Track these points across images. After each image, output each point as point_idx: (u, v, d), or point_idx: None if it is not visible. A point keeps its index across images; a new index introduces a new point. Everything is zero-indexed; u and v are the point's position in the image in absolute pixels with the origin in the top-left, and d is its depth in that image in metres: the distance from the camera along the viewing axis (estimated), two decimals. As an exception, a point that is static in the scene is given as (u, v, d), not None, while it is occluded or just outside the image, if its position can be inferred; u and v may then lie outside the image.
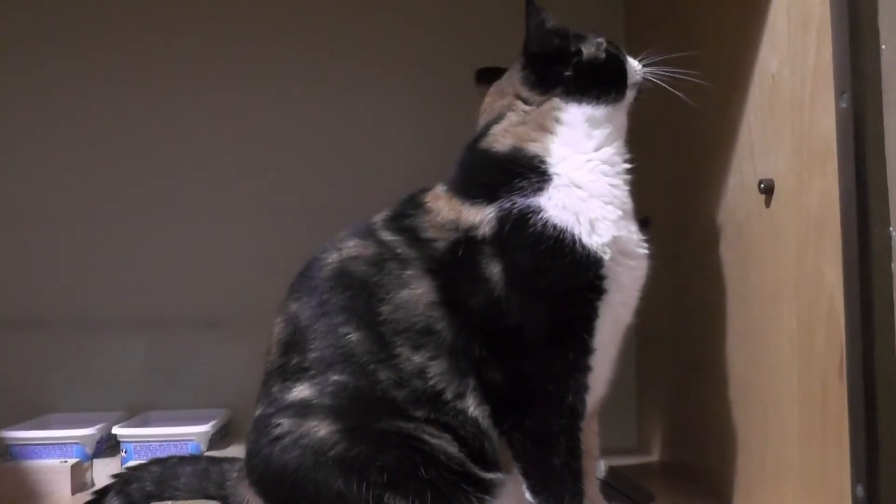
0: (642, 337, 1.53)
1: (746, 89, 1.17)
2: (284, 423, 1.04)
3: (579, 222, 1.05)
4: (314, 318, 1.08)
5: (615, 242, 1.07)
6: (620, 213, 1.09)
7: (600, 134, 1.11)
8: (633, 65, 1.16)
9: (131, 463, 1.45)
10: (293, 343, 1.09)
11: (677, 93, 1.13)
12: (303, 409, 1.04)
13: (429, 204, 1.12)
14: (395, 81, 1.76)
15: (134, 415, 1.65)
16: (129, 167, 1.75)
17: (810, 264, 1.01)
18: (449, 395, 1.04)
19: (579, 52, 1.13)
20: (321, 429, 1.02)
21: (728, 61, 1.22)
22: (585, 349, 1.06)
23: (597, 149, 1.11)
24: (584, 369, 1.06)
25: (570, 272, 1.04)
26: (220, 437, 1.61)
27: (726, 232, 1.26)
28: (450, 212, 1.10)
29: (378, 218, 1.14)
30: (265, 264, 1.65)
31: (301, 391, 1.06)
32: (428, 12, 1.76)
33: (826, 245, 0.97)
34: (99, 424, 1.54)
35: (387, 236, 1.10)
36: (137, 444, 1.49)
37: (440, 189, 1.14)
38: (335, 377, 1.04)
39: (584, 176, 1.09)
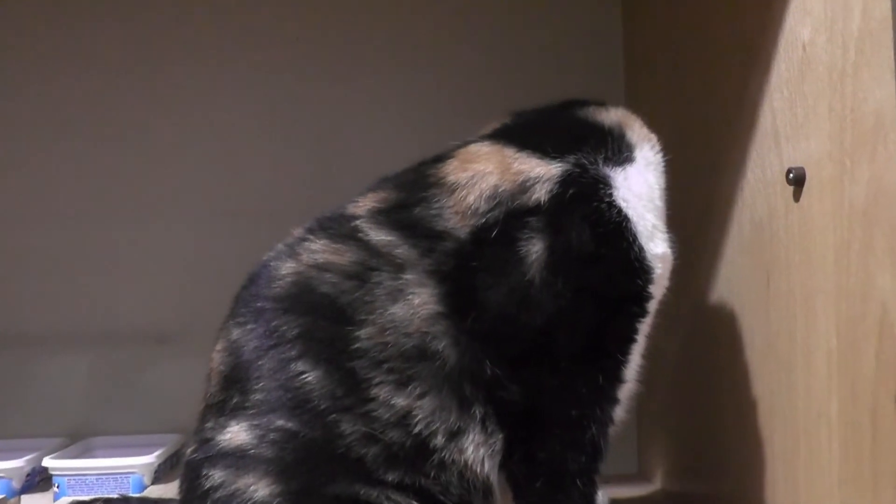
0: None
1: (769, 64, 1.00)
2: (216, 475, 0.85)
3: (645, 220, 0.91)
4: (259, 352, 0.87)
5: (664, 258, 0.93)
6: (666, 229, 0.95)
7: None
8: None
9: (64, 500, 1.27)
10: (234, 379, 0.90)
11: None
12: (238, 460, 0.84)
13: (451, 178, 0.89)
14: (372, 69, 1.61)
15: (75, 442, 1.50)
16: (67, 168, 1.59)
17: (855, 268, 0.84)
18: (439, 439, 0.84)
19: None
20: (259, 489, 0.83)
21: (745, 32, 1.06)
22: (618, 375, 0.91)
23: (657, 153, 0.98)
24: (612, 400, 0.91)
25: (623, 272, 0.89)
26: (171, 467, 1.44)
27: (744, 232, 1.09)
28: (491, 171, 0.88)
29: (361, 209, 0.91)
30: (223, 272, 1.41)
31: (236, 433, 0.86)
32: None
33: (877, 244, 0.80)
34: (29, 455, 1.37)
35: (377, 235, 0.88)
36: (71, 477, 1.32)
37: (480, 146, 0.92)
38: (280, 422, 0.84)
39: (653, 176, 0.95)
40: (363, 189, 0.96)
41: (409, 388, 0.83)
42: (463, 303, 0.84)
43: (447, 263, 0.85)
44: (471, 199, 0.86)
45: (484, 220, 0.85)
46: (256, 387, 0.86)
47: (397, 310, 0.84)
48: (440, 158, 0.92)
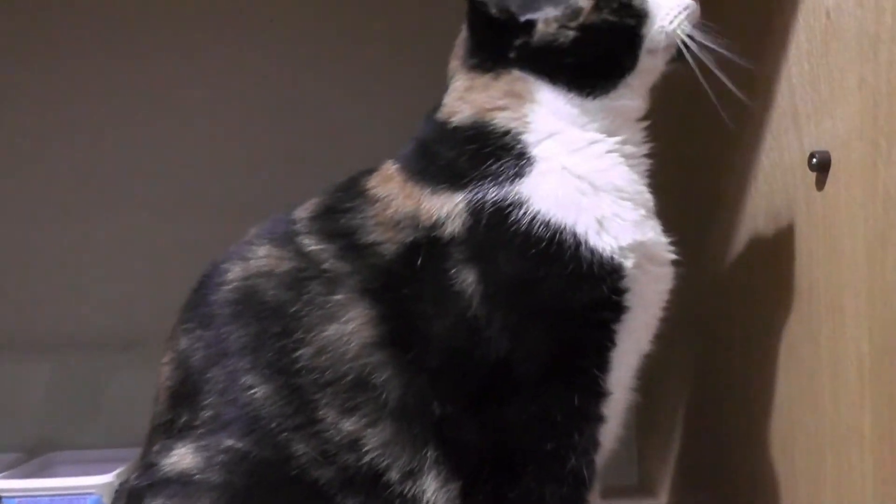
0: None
1: (786, 35, 0.90)
2: None
3: (582, 219, 0.80)
4: (208, 361, 0.82)
5: (640, 247, 0.81)
6: (643, 211, 0.84)
7: (601, 120, 0.85)
8: (660, 16, 0.85)
9: (14, 524, 1.16)
10: (183, 395, 0.83)
11: (722, 77, 0.87)
12: (182, 488, 0.77)
13: (375, 191, 0.85)
14: (356, 59, 1.49)
15: (33, 458, 1.39)
16: (23, 164, 1.48)
17: (891, 263, 0.74)
18: (394, 475, 0.78)
19: (529, 26, 0.84)
20: None
21: (753, 6, 0.95)
22: (597, 391, 0.81)
23: (601, 130, 0.85)
24: (595, 419, 0.81)
25: (576, 284, 0.79)
26: (135, 485, 1.32)
27: (758, 223, 0.99)
28: (405, 200, 0.83)
29: (302, 214, 0.86)
30: (191, 273, 1.36)
31: (182, 456, 0.78)
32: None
33: (919, 236, 0.70)
34: (-22, 473, 1.25)
35: (310, 244, 0.83)
36: (23, 499, 1.20)
37: (392, 168, 0.87)
38: (230, 442, 0.77)
39: (583, 163, 0.83)
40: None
41: (356, 416, 0.78)
42: (403, 334, 0.79)
43: (376, 281, 0.80)
44: (389, 212, 0.82)
45: (405, 238, 0.80)
46: (205, 402, 0.80)
47: (332, 332, 0.79)
48: (372, 170, 0.87)
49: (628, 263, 0.80)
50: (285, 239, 0.84)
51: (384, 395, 0.78)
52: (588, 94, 0.83)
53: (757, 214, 0.99)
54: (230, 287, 0.83)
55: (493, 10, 0.83)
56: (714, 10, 1.05)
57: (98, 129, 1.47)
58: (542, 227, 0.78)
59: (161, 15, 1.47)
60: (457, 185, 0.81)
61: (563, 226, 0.79)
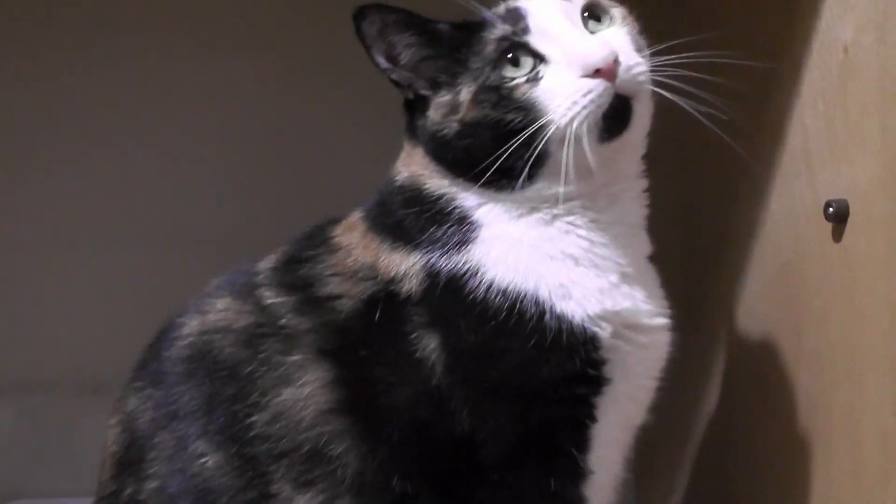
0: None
1: (798, 71, 0.83)
2: None
3: (544, 285, 0.73)
4: (157, 425, 0.77)
5: (615, 316, 0.73)
6: (614, 277, 0.75)
7: (536, 201, 0.77)
8: (552, 108, 0.72)
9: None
10: (128, 462, 0.77)
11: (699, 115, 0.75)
12: None
13: (338, 239, 0.79)
14: (336, 79, 1.38)
15: (-5, 507, 1.32)
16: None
17: (921, 330, 0.66)
18: None
19: (421, 101, 0.79)
20: None
21: (767, 33, 0.88)
22: (577, 472, 0.73)
23: (541, 203, 0.76)
24: (575, 502, 0.72)
25: (542, 357, 0.71)
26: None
27: (767, 273, 0.91)
28: (365, 251, 0.77)
29: (266, 264, 0.81)
30: (163, 310, 1.29)
31: None
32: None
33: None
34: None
35: (270, 297, 0.77)
36: (-24, 558, 1.13)
37: (356, 216, 0.81)
38: None
39: (529, 230, 0.75)
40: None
41: (312, 491, 0.72)
42: (361, 401, 0.73)
43: (333, 341, 0.74)
44: (350, 261, 0.77)
45: (363, 292, 0.75)
46: (151, 471, 0.76)
47: (288, 396, 0.73)
48: (339, 219, 0.82)
49: (604, 333, 0.72)
50: (245, 291, 0.79)
51: (342, 469, 0.72)
52: (495, 189, 0.75)
53: (765, 262, 0.91)
54: (185, 343, 0.79)
55: (394, 76, 0.78)
56: (717, 41, 0.98)
57: (62, 167, 1.40)
58: (498, 295, 0.72)
59: (131, 47, 1.39)
60: (411, 245, 0.76)
61: (522, 293, 0.72)
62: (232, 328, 0.77)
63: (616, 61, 0.70)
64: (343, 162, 1.37)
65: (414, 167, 0.79)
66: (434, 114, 0.77)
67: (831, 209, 0.76)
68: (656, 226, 0.82)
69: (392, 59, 0.77)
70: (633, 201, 0.79)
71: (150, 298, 1.34)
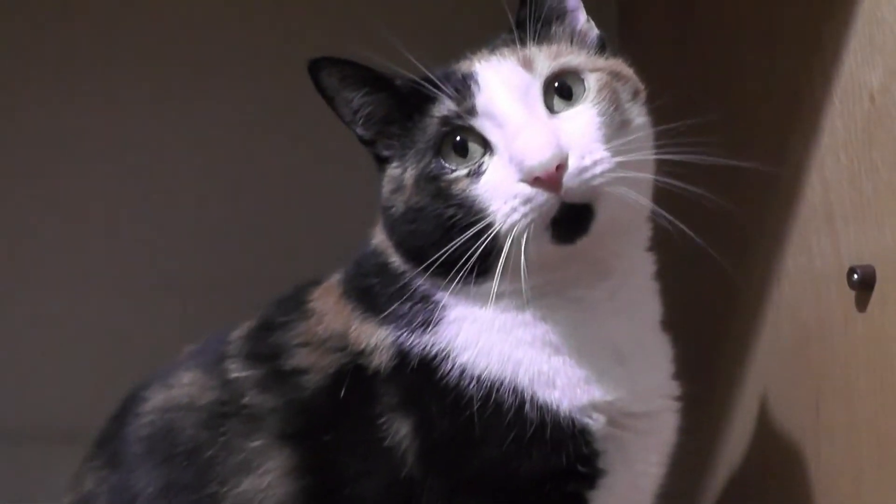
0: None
1: (818, 119, 0.75)
2: None
3: (522, 372, 0.65)
4: None
5: (608, 406, 0.65)
6: (608, 361, 0.66)
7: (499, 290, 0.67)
8: (491, 210, 0.63)
9: None
10: None
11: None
12: None
13: (313, 304, 0.73)
14: (328, 115, 1.34)
15: (-37, 566, 1.27)
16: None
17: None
18: None
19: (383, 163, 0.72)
20: None
21: (785, 75, 0.81)
22: None
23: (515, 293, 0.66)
24: None
25: (523, 451, 0.64)
26: None
27: (782, 334, 0.84)
28: (337, 317, 0.71)
29: (239, 332, 0.75)
30: (146, 356, 1.23)
31: None
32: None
33: None
34: None
35: (235, 370, 0.71)
36: None
37: (335, 279, 0.75)
38: None
39: (500, 314, 0.66)
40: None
41: None
42: (326, 492, 0.66)
43: (297, 423, 0.68)
44: (320, 328, 0.71)
45: (330, 365, 0.68)
46: None
47: (247, 486, 0.67)
48: (320, 281, 0.76)
49: (596, 424, 0.64)
50: (213, 363, 0.73)
51: None
52: (448, 281, 0.65)
53: (780, 323, 0.84)
54: (146, 420, 0.73)
55: (357, 131, 0.72)
56: (728, 86, 0.91)
57: (34, 214, 1.35)
58: (472, 383, 0.64)
59: (113, 90, 1.35)
60: (381, 318, 0.69)
61: (498, 381, 0.64)
62: (195, 406, 0.71)
63: (561, 166, 0.60)
64: (330, 209, 1.31)
65: (381, 235, 0.72)
66: (385, 185, 0.70)
67: (856, 276, 0.69)
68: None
69: (354, 113, 0.70)
70: (633, 271, 0.70)
71: (124, 346, 1.35)
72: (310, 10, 1.34)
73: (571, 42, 0.70)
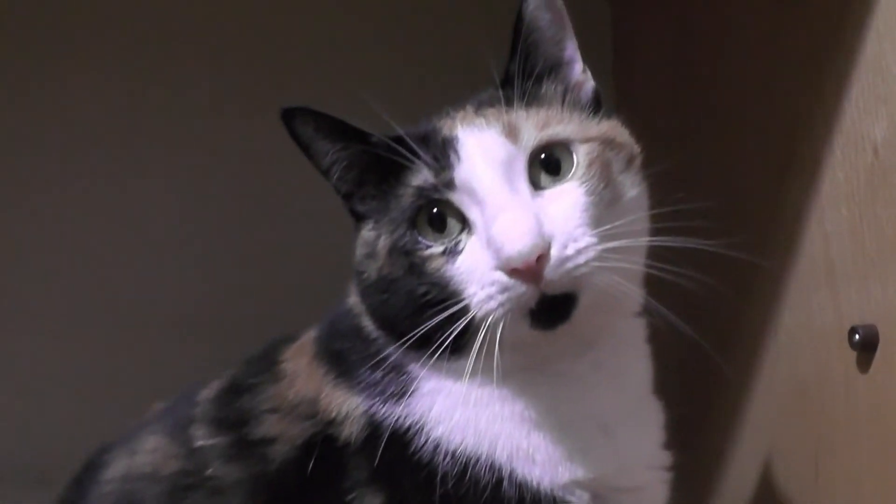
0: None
1: (818, 168, 0.72)
2: None
3: (500, 448, 0.61)
4: None
5: (592, 482, 0.61)
6: (592, 435, 0.62)
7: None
8: (467, 294, 0.59)
9: None
10: None
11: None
12: None
13: (284, 365, 0.68)
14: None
15: None
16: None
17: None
18: None
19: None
20: None
21: (784, 124, 0.77)
22: None
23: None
24: None
25: None
26: None
27: (781, 398, 0.80)
28: (309, 381, 0.66)
29: (207, 393, 0.70)
30: (120, 393, 1.16)
31: None
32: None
33: None
34: None
35: (200, 437, 0.66)
36: None
37: (310, 336, 0.70)
38: None
39: (475, 388, 0.61)
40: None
41: None
42: None
43: (261, 498, 0.63)
44: (291, 393, 0.66)
45: (299, 436, 0.63)
46: None
47: None
48: (296, 337, 0.71)
49: (579, 502, 0.61)
50: (179, 427, 0.68)
51: None
52: (422, 355, 0.61)
53: (778, 377, 0.80)
54: (107, 490, 0.69)
55: (334, 183, 0.67)
56: (723, 131, 0.88)
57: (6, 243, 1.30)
58: (447, 458, 0.60)
59: (94, 121, 1.29)
60: (353, 384, 0.64)
61: (474, 457, 0.60)
62: (158, 476, 0.66)
63: (542, 257, 0.55)
64: (314, 246, 1.27)
65: (355, 296, 0.68)
66: (359, 247, 0.66)
67: (857, 336, 0.65)
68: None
69: (329, 165, 0.65)
70: (621, 339, 0.66)
71: (98, 385, 1.28)
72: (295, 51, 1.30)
73: (563, 101, 0.65)
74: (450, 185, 0.60)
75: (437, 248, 0.60)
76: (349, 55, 1.22)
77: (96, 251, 1.30)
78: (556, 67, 0.66)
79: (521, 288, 0.56)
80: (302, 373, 0.66)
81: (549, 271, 0.56)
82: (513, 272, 0.56)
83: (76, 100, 1.28)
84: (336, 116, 0.64)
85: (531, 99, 0.63)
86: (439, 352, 0.58)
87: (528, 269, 0.55)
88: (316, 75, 1.23)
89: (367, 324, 0.65)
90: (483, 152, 0.60)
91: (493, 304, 0.57)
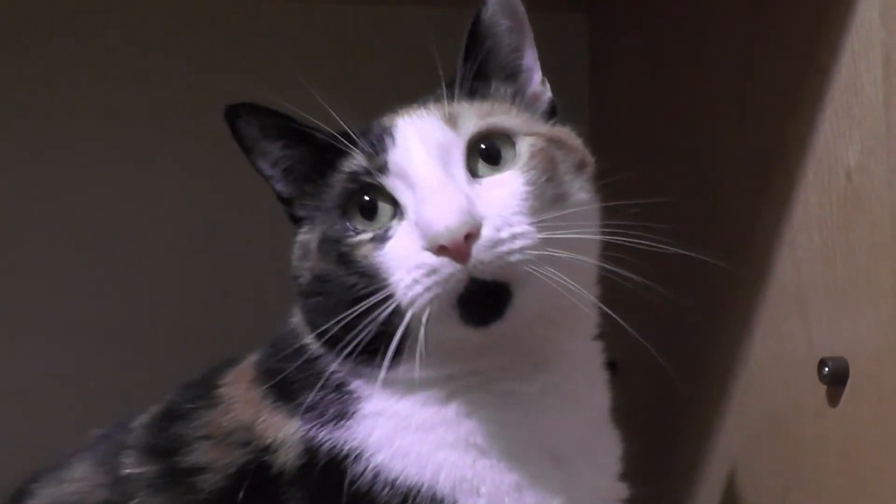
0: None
1: (790, 191, 0.69)
2: None
3: (443, 478, 0.57)
4: None
5: None
6: (543, 464, 0.58)
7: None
8: (393, 281, 0.56)
9: None
10: None
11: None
12: None
13: (223, 390, 0.64)
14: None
15: None
16: None
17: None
18: None
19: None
20: None
21: (757, 145, 0.75)
22: None
23: (432, 376, 0.59)
24: None
25: None
26: None
27: (750, 427, 0.76)
28: (245, 407, 0.61)
29: (142, 419, 0.65)
30: (77, 412, 1.10)
31: None
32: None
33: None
34: None
35: (129, 465, 0.62)
36: None
37: (251, 360, 0.65)
38: None
39: (420, 410, 0.58)
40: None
41: None
42: None
43: None
44: (226, 420, 0.61)
45: (230, 464, 0.59)
46: None
47: None
48: (237, 361, 0.66)
49: None
50: (110, 454, 0.63)
51: None
52: (361, 364, 0.59)
53: (747, 409, 0.77)
54: None
55: (276, 187, 0.65)
56: (700, 145, 0.86)
57: None
58: (386, 488, 0.56)
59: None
60: (291, 408, 0.60)
61: (416, 487, 0.56)
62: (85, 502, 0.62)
63: (471, 235, 0.52)
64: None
65: (297, 314, 0.64)
66: (294, 252, 0.63)
67: (827, 369, 0.62)
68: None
69: (272, 167, 0.63)
70: (576, 362, 0.62)
71: (61, 399, 1.21)
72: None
73: (513, 102, 0.63)
74: (383, 168, 0.57)
75: (366, 235, 0.57)
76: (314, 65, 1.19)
77: (55, 267, 1.26)
78: (512, 76, 0.64)
79: (448, 268, 0.53)
80: (240, 398, 0.62)
81: (478, 251, 0.53)
82: (440, 250, 0.53)
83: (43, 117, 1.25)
84: (281, 112, 0.61)
85: (477, 94, 0.62)
86: (372, 357, 0.56)
87: (456, 247, 0.52)
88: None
89: (310, 341, 0.62)
90: (419, 137, 0.58)
91: (418, 288, 0.54)
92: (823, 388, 0.64)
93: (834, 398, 0.63)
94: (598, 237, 0.60)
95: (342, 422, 0.58)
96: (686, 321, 0.87)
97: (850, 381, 0.62)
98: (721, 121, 0.80)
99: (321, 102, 0.58)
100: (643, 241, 0.55)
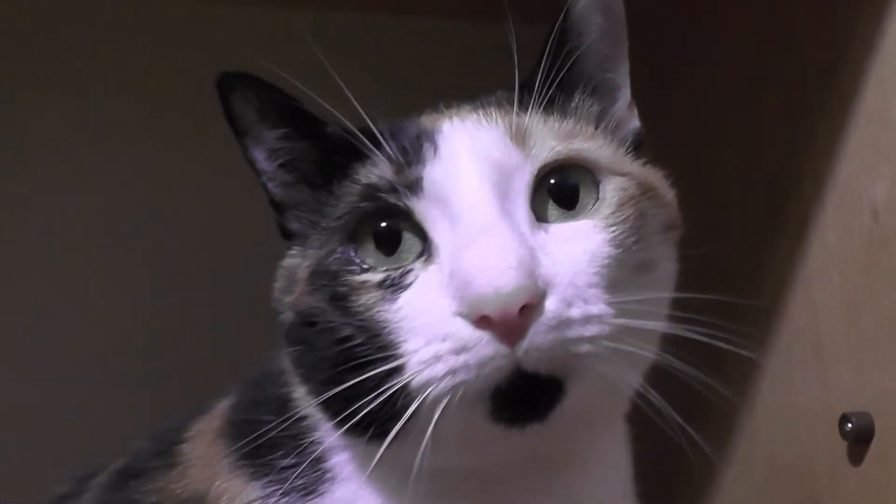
0: None
1: (806, 233, 0.64)
2: None
3: None
4: None
5: None
6: None
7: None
8: (408, 352, 0.41)
9: None
10: None
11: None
12: None
13: (185, 445, 0.52)
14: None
15: None
16: None
17: None
18: None
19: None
20: None
21: (762, 180, 0.69)
22: None
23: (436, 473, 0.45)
24: None
25: None
26: None
27: (750, 490, 0.71)
28: (203, 470, 0.50)
29: (101, 479, 0.55)
30: (59, 436, 1.07)
31: None
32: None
33: None
34: None
35: None
36: None
37: (223, 406, 0.53)
38: None
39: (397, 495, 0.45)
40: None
41: None
42: None
43: None
44: (181, 486, 0.50)
45: None
46: None
47: None
48: (211, 406, 0.54)
49: None
50: None
51: None
52: (351, 436, 0.45)
53: (751, 463, 0.71)
54: None
55: (268, 185, 0.50)
56: (707, 173, 0.80)
57: None
58: None
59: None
60: (254, 469, 0.48)
61: None
62: None
63: (530, 307, 0.38)
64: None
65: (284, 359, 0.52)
66: (277, 281, 0.49)
67: (850, 425, 0.57)
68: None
69: (266, 160, 0.49)
70: (604, 453, 0.49)
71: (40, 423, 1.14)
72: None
73: (598, 124, 0.49)
74: (414, 186, 0.43)
75: (377, 276, 0.42)
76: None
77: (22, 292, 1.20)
78: (598, 92, 0.50)
79: (487, 349, 0.38)
80: (199, 457, 0.52)
81: (539, 332, 0.38)
82: (481, 321, 0.38)
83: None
84: (287, 92, 0.47)
85: (554, 107, 0.47)
86: (362, 427, 0.41)
87: (506, 321, 0.38)
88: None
89: (299, 396, 0.48)
90: (472, 151, 0.43)
91: (439, 368, 0.39)
92: (844, 445, 0.58)
93: (857, 457, 0.58)
94: (666, 328, 0.45)
95: (308, 497, 0.47)
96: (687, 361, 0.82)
97: (875, 439, 0.56)
98: (730, 151, 0.74)
99: (339, 82, 0.44)
100: (700, 335, 0.44)
